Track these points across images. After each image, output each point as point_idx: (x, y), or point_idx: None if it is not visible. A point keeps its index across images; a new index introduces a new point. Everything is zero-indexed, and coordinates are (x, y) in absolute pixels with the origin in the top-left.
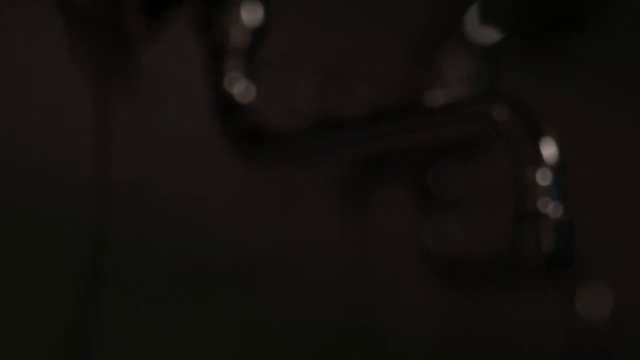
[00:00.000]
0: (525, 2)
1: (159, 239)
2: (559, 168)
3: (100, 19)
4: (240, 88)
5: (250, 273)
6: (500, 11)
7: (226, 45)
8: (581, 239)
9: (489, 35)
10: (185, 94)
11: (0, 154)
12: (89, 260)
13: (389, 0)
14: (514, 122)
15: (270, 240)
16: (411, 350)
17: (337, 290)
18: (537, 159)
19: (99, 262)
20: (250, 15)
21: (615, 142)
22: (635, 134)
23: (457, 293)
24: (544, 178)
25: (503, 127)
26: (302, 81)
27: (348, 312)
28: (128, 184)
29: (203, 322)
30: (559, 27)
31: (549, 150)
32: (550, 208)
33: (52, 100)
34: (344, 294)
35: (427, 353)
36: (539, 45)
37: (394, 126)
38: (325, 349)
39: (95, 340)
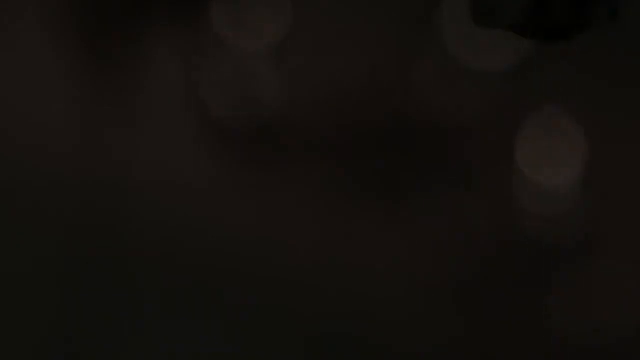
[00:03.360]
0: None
1: (155, 237)
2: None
3: (89, 20)
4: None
5: (244, 276)
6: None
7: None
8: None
9: (482, 38)
10: (177, 97)
11: None
12: (84, 259)
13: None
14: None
15: (266, 242)
16: (407, 355)
17: (334, 292)
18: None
19: (95, 260)
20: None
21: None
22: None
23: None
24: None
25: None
26: (298, 80)
27: (344, 315)
28: (120, 183)
29: (193, 320)
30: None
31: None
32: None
33: (42, 100)
34: (341, 296)
35: (425, 356)
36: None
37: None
38: (320, 349)
39: (92, 338)
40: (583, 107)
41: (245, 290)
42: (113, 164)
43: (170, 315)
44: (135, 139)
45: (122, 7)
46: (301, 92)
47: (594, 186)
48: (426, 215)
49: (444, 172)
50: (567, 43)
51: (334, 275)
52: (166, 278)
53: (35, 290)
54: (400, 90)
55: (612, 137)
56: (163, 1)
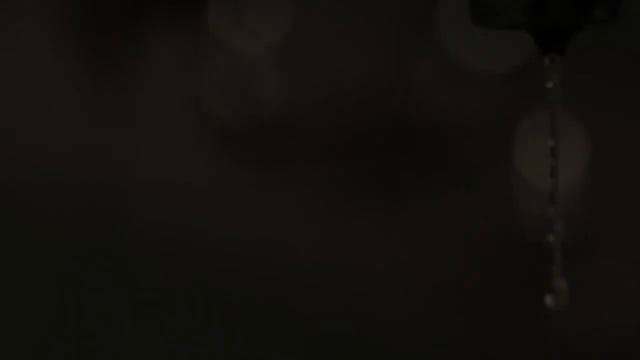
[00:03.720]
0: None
1: (155, 237)
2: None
3: (89, 20)
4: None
5: (244, 276)
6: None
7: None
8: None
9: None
10: (177, 97)
11: None
12: (84, 259)
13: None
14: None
15: (266, 242)
16: (407, 355)
17: (334, 292)
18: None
19: (96, 260)
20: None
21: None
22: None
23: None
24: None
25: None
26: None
27: (344, 315)
28: (120, 183)
29: (193, 320)
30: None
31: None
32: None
33: (43, 100)
34: (341, 296)
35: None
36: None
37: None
38: (320, 349)
39: (92, 338)
40: (583, 107)
41: (245, 290)
42: (113, 164)
43: (170, 315)
44: (135, 139)
45: (122, 7)
46: (301, 92)
47: (594, 186)
48: (426, 215)
49: (444, 172)
50: (567, 44)
51: (334, 275)
52: (166, 278)
53: (35, 290)
54: (400, 90)
55: (612, 137)
56: (163, 1)
